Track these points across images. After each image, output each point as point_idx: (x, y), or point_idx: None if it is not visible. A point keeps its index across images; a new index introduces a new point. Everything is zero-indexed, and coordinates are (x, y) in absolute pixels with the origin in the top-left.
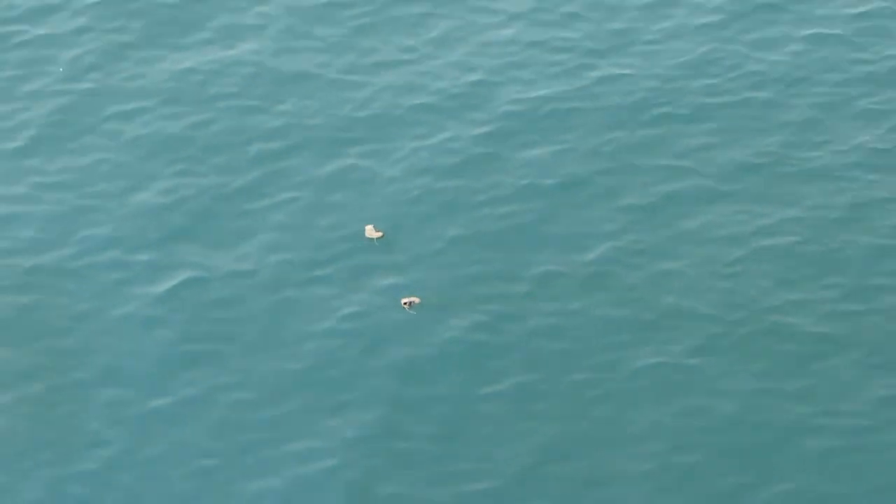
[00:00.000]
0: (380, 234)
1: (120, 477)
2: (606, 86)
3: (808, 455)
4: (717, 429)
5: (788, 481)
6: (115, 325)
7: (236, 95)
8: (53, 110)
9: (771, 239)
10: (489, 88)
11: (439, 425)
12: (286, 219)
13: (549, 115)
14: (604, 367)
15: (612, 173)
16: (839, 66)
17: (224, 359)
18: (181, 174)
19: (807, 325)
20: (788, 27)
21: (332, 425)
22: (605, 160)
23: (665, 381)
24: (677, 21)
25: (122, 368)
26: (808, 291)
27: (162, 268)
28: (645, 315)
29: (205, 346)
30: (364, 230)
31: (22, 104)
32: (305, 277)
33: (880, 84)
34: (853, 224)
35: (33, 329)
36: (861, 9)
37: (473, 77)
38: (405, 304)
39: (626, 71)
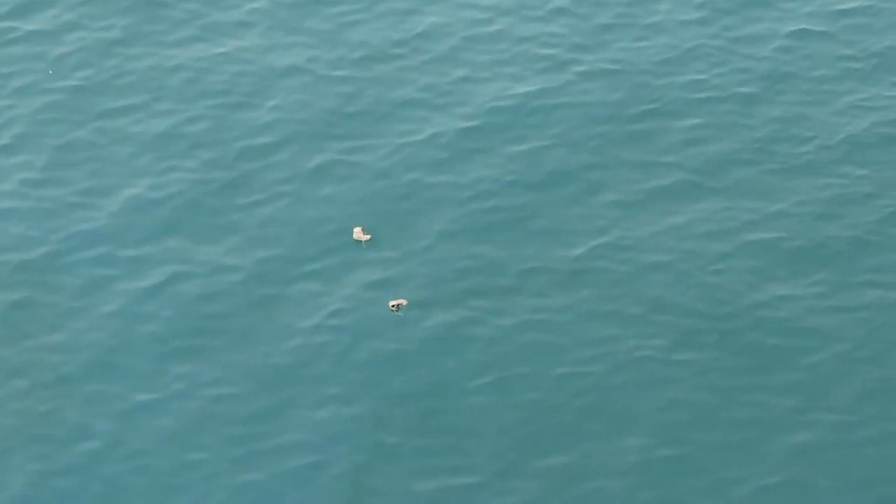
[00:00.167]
0: (368, 237)
1: (106, 469)
2: (592, 81)
3: (792, 449)
4: (700, 423)
5: (772, 475)
6: (103, 320)
7: (224, 92)
8: (41, 107)
9: (755, 234)
10: (475, 84)
11: (424, 419)
12: (273, 214)
13: (535, 110)
14: (589, 361)
15: (598, 168)
16: (824, 62)
17: (210, 353)
18: (168, 170)
19: (791, 320)
20: (774, 23)
21: (317, 419)
22: (590, 155)
23: (649, 375)
24: (663, 17)
25: (109, 363)
26: (793, 286)
27: (149, 263)
28: (630, 310)
29: (192, 340)
30: (352, 233)
31: (10, 101)
32: (292, 273)
33: (865, 80)
34: (838, 219)
35: (21, 325)
36: (846, 6)
37: (460, 72)
38: (393, 306)
39: (612, 66)
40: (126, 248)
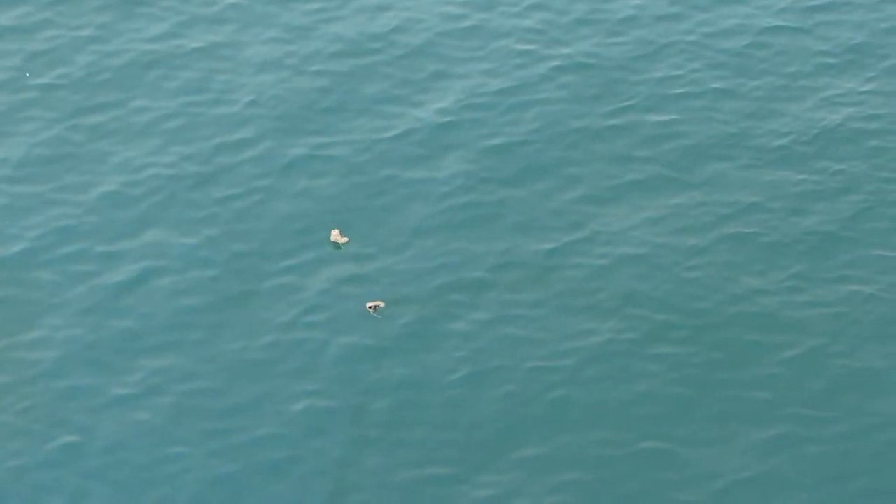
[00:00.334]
0: (345, 239)
1: (85, 463)
2: (567, 76)
3: (766, 443)
4: (674, 417)
5: (747, 469)
6: (80, 316)
7: (200, 88)
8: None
9: (730, 228)
10: (451, 79)
11: (400, 412)
12: (249, 209)
13: (510, 105)
14: (563, 355)
15: (573, 163)
16: (798, 57)
17: (187, 348)
18: (144, 167)
19: (765, 315)
20: (748, 18)
21: (293, 412)
22: (565, 150)
23: (623, 369)
24: (636, 12)
25: (86, 358)
26: (767, 281)
27: (126, 259)
28: (604, 304)
29: (168, 335)
30: (330, 234)
31: None
32: (268, 268)
33: (839, 75)
34: (812, 214)
35: None
36: (820, 1)
37: (435, 68)
38: (370, 307)
39: (587, 61)
40: (102, 243)
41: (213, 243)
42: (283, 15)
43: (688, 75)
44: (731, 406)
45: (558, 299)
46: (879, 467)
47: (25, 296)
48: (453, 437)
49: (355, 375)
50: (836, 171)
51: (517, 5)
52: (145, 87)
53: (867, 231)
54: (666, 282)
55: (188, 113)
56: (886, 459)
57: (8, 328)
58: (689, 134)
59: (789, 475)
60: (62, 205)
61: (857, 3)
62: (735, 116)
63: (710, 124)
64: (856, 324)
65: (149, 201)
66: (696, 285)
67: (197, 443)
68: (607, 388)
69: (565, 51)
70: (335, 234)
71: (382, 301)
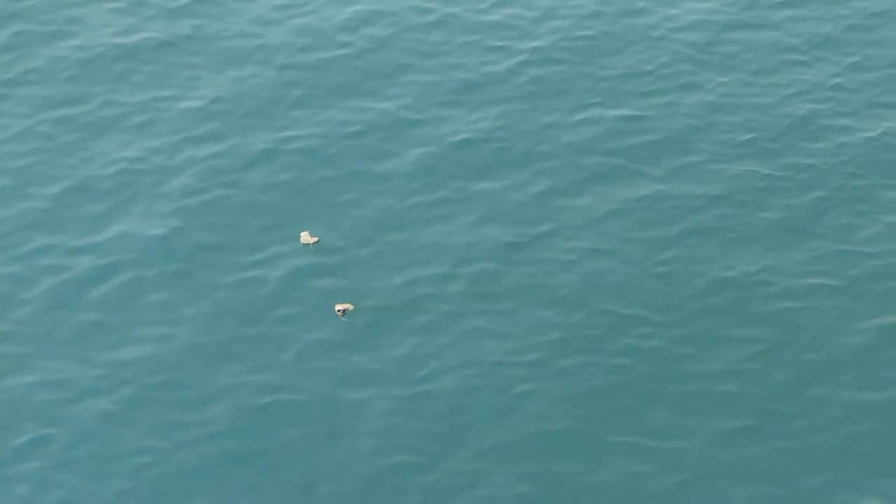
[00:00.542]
0: (315, 239)
1: (51, 456)
2: (534, 69)
3: (740, 455)
4: (638, 410)
5: (711, 462)
6: (45, 309)
7: (165, 83)
8: None
9: (695, 221)
10: (416, 73)
11: (375, 422)
12: (213, 202)
13: (477, 99)
14: (528, 350)
15: (540, 157)
16: (764, 51)
17: (151, 342)
18: (109, 161)
19: (731, 308)
20: (712, 13)
21: (259, 405)
22: (532, 144)
23: (587, 362)
24: (602, 6)
25: (51, 352)
26: (733, 274)
27: (90, 252)
28: (575, 314)
29: (133, 328)
30: (300, 236)
31: None
32: (232, 261)
33: (805, 68)
34: (778, 207)
35: None
36: (790, 12)
37: (404, 60)
38: (339, 311)
39: (555, 55)
40: (68, 237)
41: (178, 237)
42: (251, 8)
43: (656, 70)
44: (696, 399)
45: (524, 293)
46: (845, 461)
47: None
48: (419, 428)
49: (321, 369)
50: (801, 165)
51: (483, 1)
52: (111, 81)
53: (833, 226)
54: (632, 276)
55: (154, 107)
56: (851, 453)
57: None
58: (655, 129)
59: (755, 468)
60: (28, 199)
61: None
62: (701, 111)
63: (676, 119)
64: (822, 317)
65: (115, 195)
66: (661, 279)
67: (163, 435)
68: (573, 382)
69: (531, 45)
70: (304, 236)
71: (351, 304)
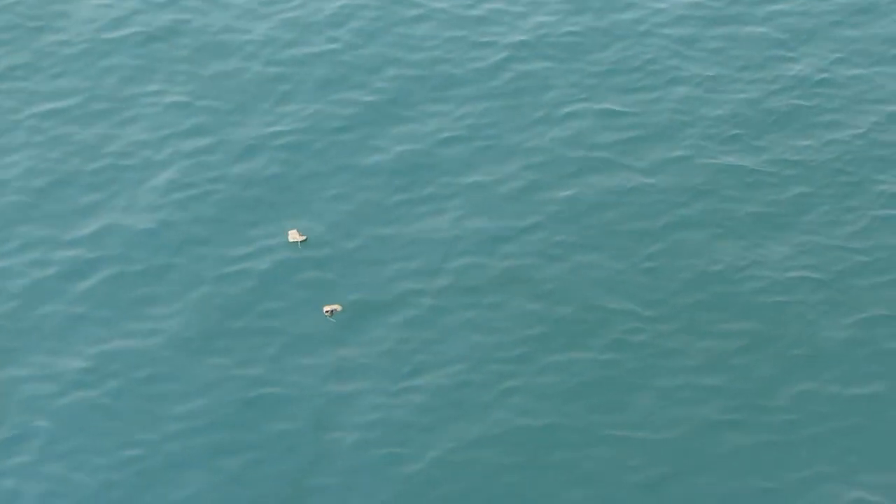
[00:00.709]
0: (303, 237)
1: (50, 468)
2: (520, 66)
3: (726, 449)
4: (632, 423)
5: (705, 474)
6: (39, 321)
7: (150, 77)
8: None
9: (679, 215)
10: (401, 67)
11: (365, 416)
12: (209, 215)
13: (460, 93)
14: (521, 361)
15: (525, 151)
16: (751, 45)
17: (145, 351)
18: (94, 155)
19: (715, 302)
20: (705, 23)
21: (257, 418)
22: (517, 137)
23: (572, 357)
24: (599, 17)
25: (50, 364)
26: (718, 268)
27: (75, 245)
28: (562, 308)
29: (126, 340)
30: (287, 235)
31: None
32: (224, 272)
33: (799, 81)
34: (763, 201)
35: None
36: (776, 7)
37: (386, 54)
38: (327, 311)
39: (536, 49)
40: (53, 230)
41: (165, 231)
42: (237, 3)
43: (642, 66)
44: (683, 393)
45: (510, 288)
46: (829, 455)
47: None
48: (406, 421)
49: (307, 363)
50: (788, 161)
51: (476, 7)
52: (97, 75)
53: (819, 221)
54: (618, 270)
55: (140, 102)
56: (837, 447)
57: None
58: (641, 123)
59: (741, 461)
60: (13, 193)
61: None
62: (687, 105)
63: (662, 113)
64: (808, 312)
65: (101, 189)
66: (648, 273)
67: (150, 428)
68: (559, 376)
69: (517, 39)
70: (292, 234)
71: (339, 305)
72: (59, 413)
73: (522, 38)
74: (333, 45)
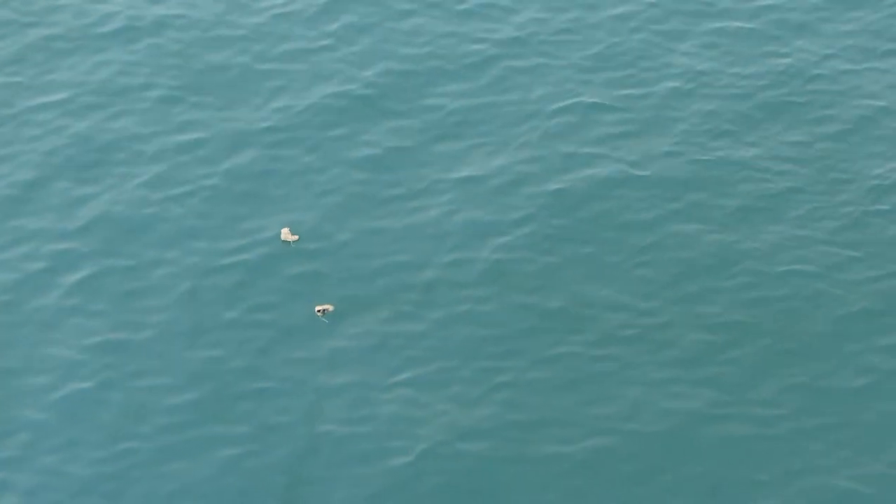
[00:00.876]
0: (295, 237)
1: (44, 460)
2: (515, 77)
3: (715, 441)
4: (622, 415)
5: (694, 466)
6: (31, 314)
7: (135, 72)
8: None
9: (677, 223)
10: (393, 76)
11: (355, 409)
12: (200, 208)
13: (459, 107)
14: (511, 355)
15: (524, 162)
16: (749, 58)
17: (139, 345)
18: (96, 179)
19: (716, 313)
20: (701, 19)
21: (250, 410)
22: (516, 149)
23: (573, 367)
24: (585, 13)
25: (42, 356)
26: (715, 277)
27: (72, 254)
28: (552, 302)
29: (122, 333)
30: (280, 233)
31: None
32: (218, 265)
33: (790, 76)
34: (761, 213)
35: None
36: (767, 1)
37: (384, 67)
38: (319, 311)
39: (536, 61)
40: (51, 240)
41: (156, 224)
42: (230, 15)
43: (639, 73)
44: (679, 403)
45: (506, 297)
46: (828, 465)
47: None
48: (408, 433)
49: (298, 355)
50: (776, 154)
51: (466, 2)
52: (85, 69)
53: (807, 213)
54: (607, 264)
55: (130, 95)
56: (835, 457)
57: None
58: (632, 118)
59: (737, 472)
60: (17, 202)
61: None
62: (677, 99)
63: (653, 108)
64: (804, 320)
65: (91, 182)
66: (644, 283)
67: (148, 438)
68: (557, 389)
69: (508, 34)
70: (285, 233)
71: (331, 305)
72: (51, 406)
73: (513, 33)
74: (324, 41)
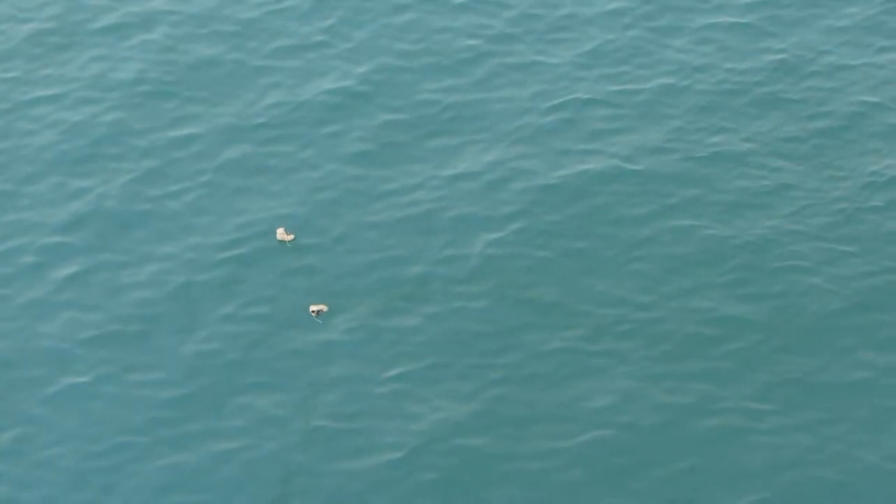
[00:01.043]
0: (291, 236)
1: (39, 453)
2: (510, 74)
3: (706, 435)
4: (616, 409)
5: (688, 457)
6: (28, 308)
7: (141, 81)
8: None
9: (672, 220)
10: (395, 74)
11: (348, 404)
12: (194, 203)
13: (452, 102)
14: (505, 350)
15: (516, 156)
16: (744, 54)
17: (134, 339)
18: (90, 174)
19: (708, 309)
20: (694, 15)
21: (244, 404)
22: (510, 146)
23: (566, 362)
24: (583, 8)
25: (36, 350)
26: (709, 273)
27: (66, 251)
28: (547, 297)
29: (116, 327)
30: (276, 233)
31: None
32: (212, 260)
33: (784, 72)
34: (754, 206)
35: None
36: None
37: (379, 63)
38: (313, 312)
39: (532, 58)
40: (44, 236)
41: (160, 237)
42: (226, 9)
43: (633, 70)
44: (673, 397)
45: (501, 292)
46: (817, 459)
47: None
48: (402, 428)
49: (303, 370)
50: (778, 167)
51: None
52: (87, 81)
53: (810, 223)
54: (607, 274)
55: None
56: (827, 451)
57: None
58: (635, 128)
59: (731, 464)
60: (10, 197)
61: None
62: (680, 111)
63: (648, 104)
64: (797, 315)
65: (95, 195)
66: (639, 277)
67: (144, 432)
68: (551, 383)
69: (507, 48)
70: (280, 233)
71: (325, 305)
72: (45, 399)
73: (507, 29)
74: (318, 37)
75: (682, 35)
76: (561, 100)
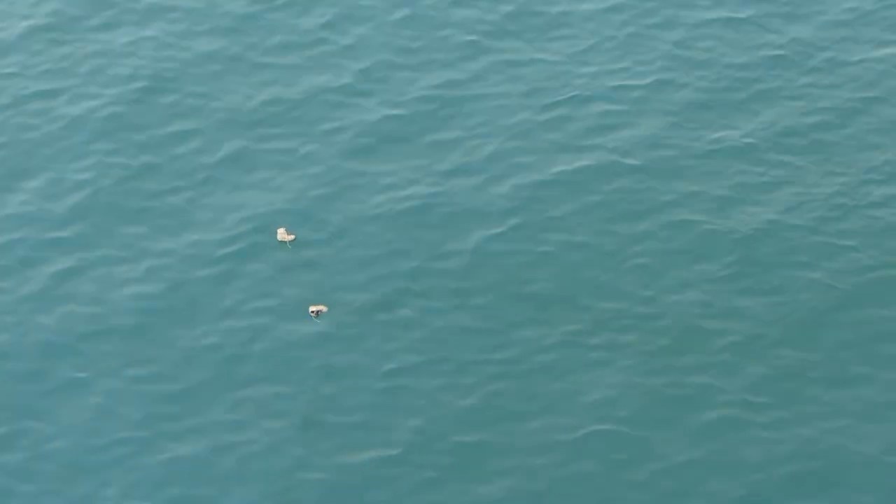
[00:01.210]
0: (292, 237)
1: (36, 445)
2: (509, 70)
3: (706, 426)
4: (614, 403)
5: (687, 451)
6: (25, 301)
7: (141, 77)
8: None
9: (671, 215)
10: (399, 71)
11: (348, 398)
12: (192, 197)
13: (453, 98)
14: (503, 344)
15: (515, 152)
16: (741, 48)
17: (134, 334)
18: (82, 154)
19: (706, 301)
20: (692, 10)
21: (243, 398)
22: (509, 140)
23: (564, 356)
24: (580, 2)
25: (35, 342)
26: (708, 267)
27: (69, 245)
28: (545, 291)
29: (114, 320)
30: (276, 234)
31: None
32: (214, 257)
33: (783, 66)
34: (753, 202)
35: None
36: None
37: (378, 59)
38: (313, 312)
39: (534, 55)
40: (50, 231)
41: (160, 235)
42: (228, 5)
43: (632, 66)
44: (673, 390)
45: (499, 287)
46: (815, 452)
47: None
48: (402, 423)
49: (298, 362)
50: (778, 161)
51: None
52: (87, 76)
53: (808, 216)
54: (608, 269)
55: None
56: (822, 444)
57: None
58: (633, 123)
59: (729, 457)
60: (10, 192)
61: None
62: (678, 107)
63: (653, 115)
64: (795, 310)
65: (92, 192)
66: (637, 272)
67: (143, 426)
68: (553, 377)
69: (506, 43)
70: (281, 233)
71: (325, 305)
72: (46, 394)
73: (505, 24)
74: (316, 31)
75: (679, 30)
76: (559, 95)
